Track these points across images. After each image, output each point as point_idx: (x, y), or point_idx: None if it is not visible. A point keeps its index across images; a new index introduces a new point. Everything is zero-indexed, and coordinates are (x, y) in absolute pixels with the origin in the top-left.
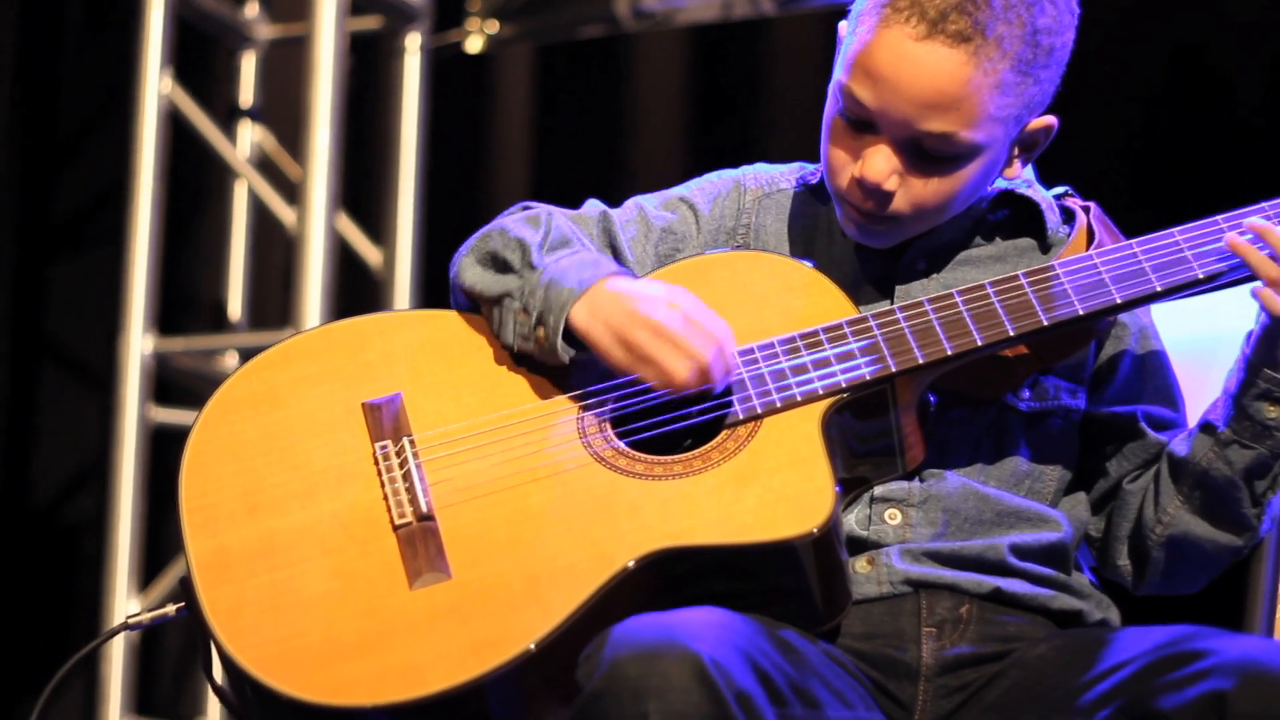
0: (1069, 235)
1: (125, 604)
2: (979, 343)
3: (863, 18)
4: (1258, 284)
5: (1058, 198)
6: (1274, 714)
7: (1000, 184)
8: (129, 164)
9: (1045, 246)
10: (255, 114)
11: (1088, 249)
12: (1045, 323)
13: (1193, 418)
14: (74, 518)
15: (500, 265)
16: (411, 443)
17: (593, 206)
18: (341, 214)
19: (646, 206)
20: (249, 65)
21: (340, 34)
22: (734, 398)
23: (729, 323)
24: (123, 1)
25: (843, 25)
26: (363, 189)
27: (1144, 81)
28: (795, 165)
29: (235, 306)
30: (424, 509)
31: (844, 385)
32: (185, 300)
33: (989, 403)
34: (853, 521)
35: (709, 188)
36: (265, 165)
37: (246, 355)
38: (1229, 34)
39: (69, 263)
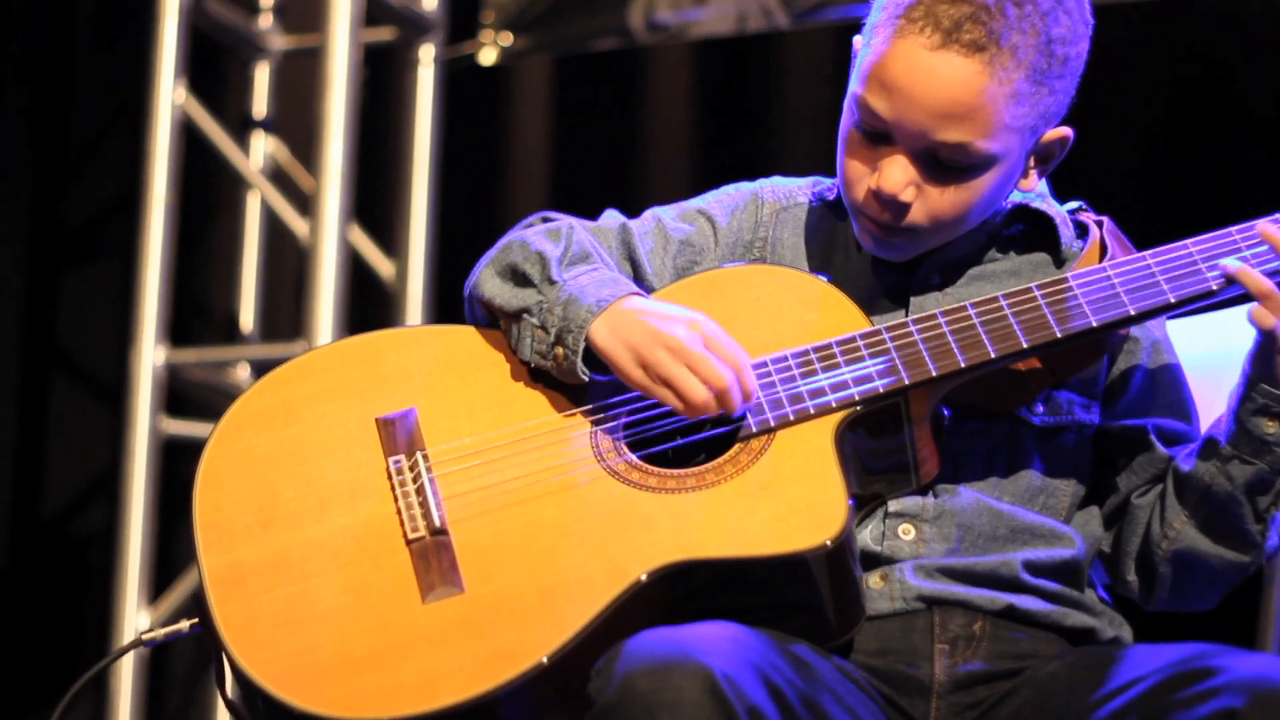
0: (1082, 249)
1: (135, 617)
2: (992, 355)
3: (877, 29)
4: (1255, 306)
5: (1072, 212)
6: None
7: (1015, 198)
8: (141, 174)
9: (1059, 261)
10: (268, 125)
11: (1101, 263)
12: (1059, 335)
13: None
14: (84, 530)
15: (520, 279)
16: (425, 457)
17: (612, 218)
18: (354, 226)
19: (665, 218)
20: (262, 76)
21: (354, 45)
22: (747, 411)
23: (742, 336)
24: (136, 11)
25: (857, 39)
26: (375, 201)
27: (1156, 94)
28: (812, 179)
29: (247, 318)
30: (437, 523)
31: (857, 398)
32: (197, 311)
33: (1003, 417)
34: (866, 537)
35: (727, 200)
36: (278, 176)
37: (258, 367)
38: (1242, 45)
39: (79, 273)
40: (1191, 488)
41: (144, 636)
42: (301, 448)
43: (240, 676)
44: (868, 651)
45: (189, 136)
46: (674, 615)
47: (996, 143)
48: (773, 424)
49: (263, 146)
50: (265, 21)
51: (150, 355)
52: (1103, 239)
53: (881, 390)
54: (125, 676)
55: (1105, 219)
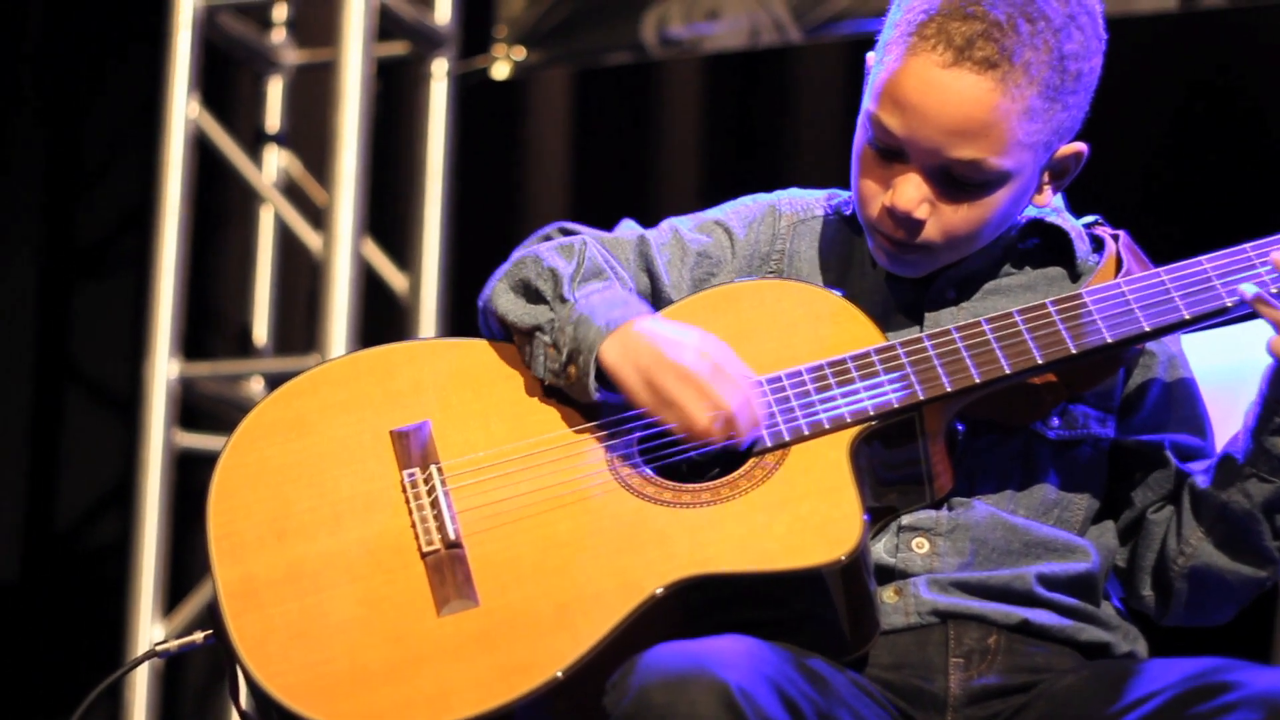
0: (1098, 264)
1: (150, 629)
2: (1007, 370)
3: (890, 47)
4: (1275, 339)
5: (1087, 226)
6: None
7: (1030, 212)
8: (155, 188)
9: (1075, 275)
10: (281, 139)
11: (1116, 277)
12: (1074, 351)
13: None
14: (97, 542)
15: (532, 295)
16: (439, 470)
17: (629, 229)
18: (367, 239)
19: (682, 229)
20: (275, 90)
21: (367, 59)
22: (755, 438)
23: (757, 350)
24: (149, 25)
25: (870, 55)
26: (389, 215)
27: (1171, 107)
28: (828, 191)
29: (261, 331)
30: (451, 536)
31: (872, 413)
32: (210, 325)
33: (1017, 431)
34: (880, 550)
35: (744, 211)
36: (291, 190)
37: (272, 380)
38: (1257, 58)
39: (92, 287)
40: (1208, 505)
41: (158, 648)
42: (316, 460)
43: (254, 689)
44: (882, 665)
45: (202, 150)
46: (689, 629)
47: (1010, 159)
48: (787, 438)
49: (276, 160)
50: (278, 36)
51: (164, 368)
52: (1118, 253)
53: (896, 405)
54: (140, 688)
55: (1121, 233)
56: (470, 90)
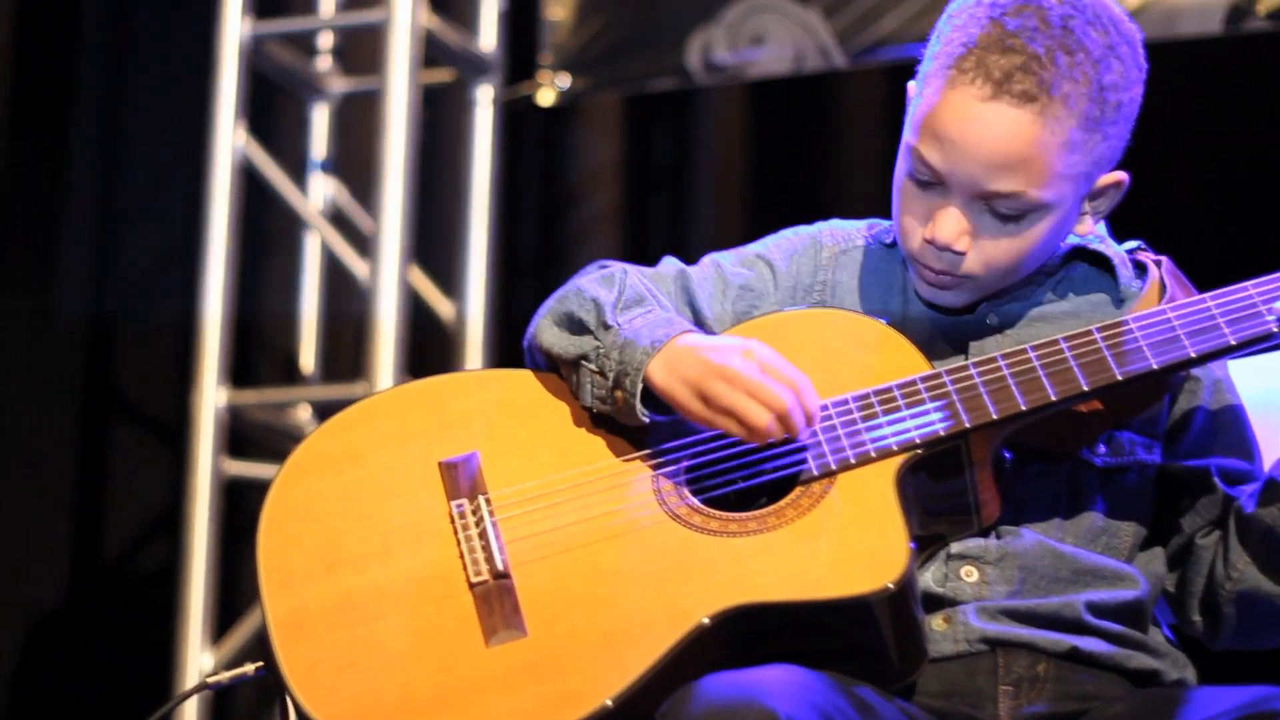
0: (1141, 289)
1: (199, 656)
2: (1053, 398)
3: (929, 79)
4: None
5: (1130, 252)
6: None
7: (1072, 240)
8: (201, 216)
9: (1118, 301)
10: (328, 166)
11: (1160, 302)
12: (1119, 377)
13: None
14: (145, 570)
15: (576, 326)
16: (488, 501)
17: (670, 264)
18: (413, 266)
19: (723, 264)
20: (321, 118)
21: (412, 87)
22: (808, 454)
23: None
24: (195, 54)
25: (911, 85)
26: (434, 241)
27: (1214, 132)
28: (869, 221)
29: (307, 359)
30: (500, 567)
31: (918, 441)
32: (257, 353)
33: (1064, 458)
34: (929, 579)
35: (786, 244)
36: (337, 218)
37: (319, 408)
38: None
39: (138, 315)
40: (1255, 528)
41: (209, 680)
42: (365, 491)
43: (304, 719)
44: (931, 693)
45: (248, 178)
46: (737, 658)
47: (1050, 191)
48: (833, 467)
49: (322, 188)
50: (324, 64)
51: (212, 397)
52: (1162, 279)
53: (942, 433)
54: (189, 718)
55: (1164, 259)
56: (515, 117)
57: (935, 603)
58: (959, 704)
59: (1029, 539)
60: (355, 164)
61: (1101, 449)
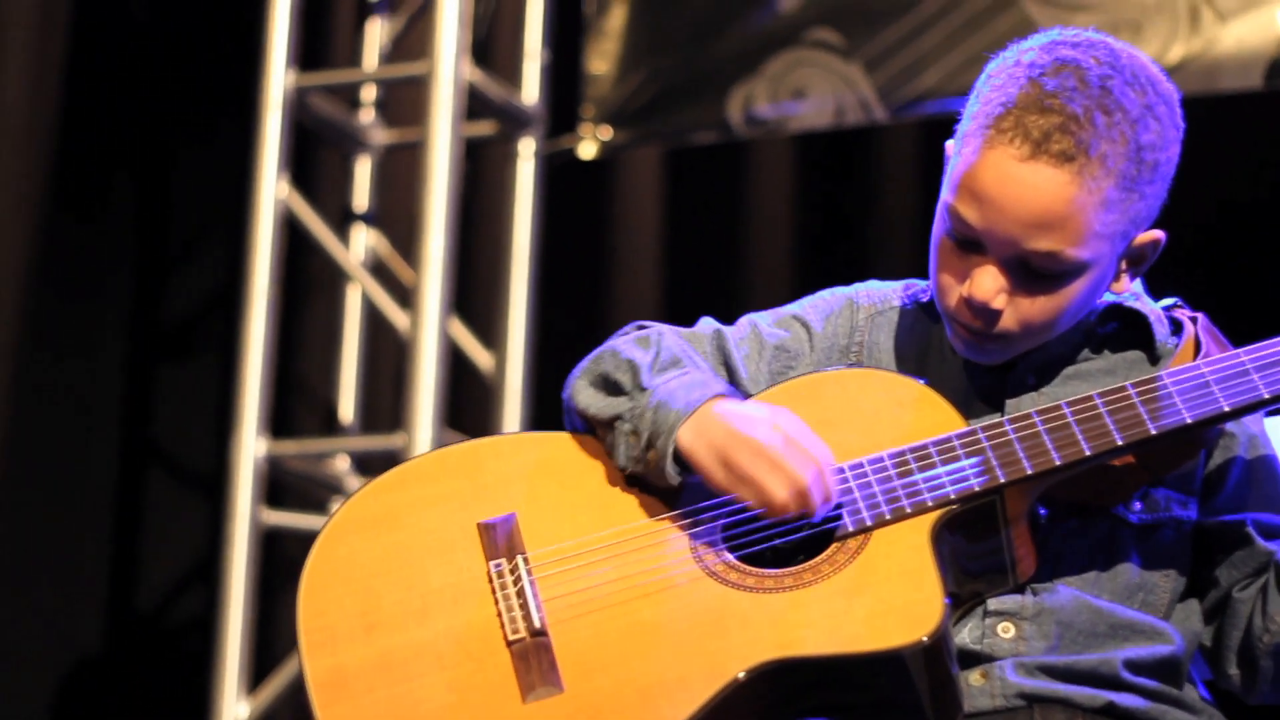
0: (1177, 346)
1: (235, 706)
2: (1087, 453)
3: (968, 139)
4: None
5: (1166, 309)
6: None
7: (1108, 297)
8: (243, 267)
9: (1154, 358)
10: (369, 218)
11: (1195, 359)
12: (1153, 432)
13: None
14: (182, 619)
15: (611, 387)
16: (525, 560)
17: (706, 325)
18: (454, 318)
19: (760, 324)
20: (364, 170)
21: (455, 139)
22: (844, 511)
23: (839, 438)
24: (239, 105)
25: (950, 144)
26: (475, 293)
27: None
28: (905, 282)
29: (347, 410)
30: (537, 625)
31: (953, 496)
32: (297, 403)
33: (1100, 514)
34: (966, 637)
35: (822, 305)
36: (379, 269)
37: (357, 459)
38: None
39: (177, 366)
40: None
41: None
42: (404, 553)
43: None
44: None
45: (290, 229)
46: (773, 713)
47: (1087, 250)
48: (869, 523)
49: (364, 239)
50: (367, 116)
51: (251, 447)
52: (1197, 335)
53: (978, 489)
54: None
55: (1200, 315)
56: (557, 170)
57: (972, 659)
58: None
59: (1065, 595)
60: (397, 215)
61: (1137, 506)
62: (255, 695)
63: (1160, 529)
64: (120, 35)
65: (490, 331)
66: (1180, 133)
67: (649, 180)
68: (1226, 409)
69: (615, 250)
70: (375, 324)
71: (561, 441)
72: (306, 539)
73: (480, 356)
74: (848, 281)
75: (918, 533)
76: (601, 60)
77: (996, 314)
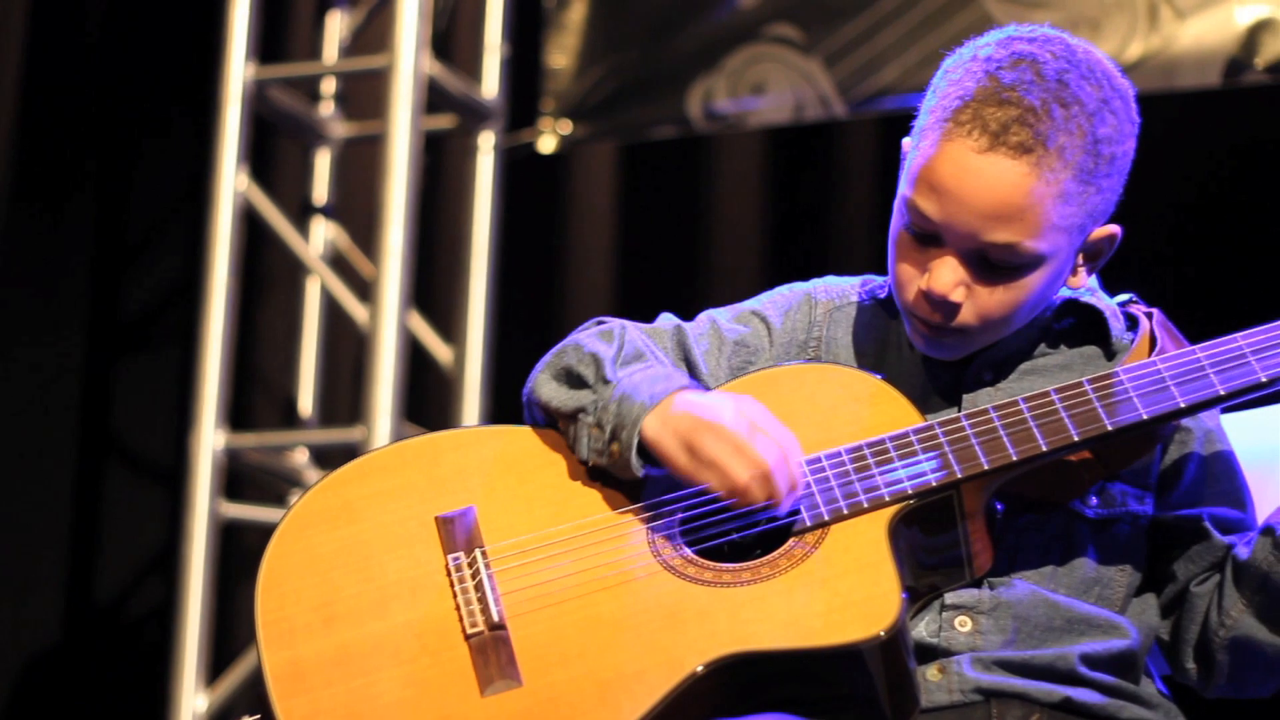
0: (1133, 342)
1: (193, 698)
2: (1044, 448)
3: (925, 133)
4: None
5: (1122, 305)
6: None
7: (1064, 293)
8: (202, 260)
9: (1110, 354)
10: (329, 211)
11: (1151, 354)
12: (1110, 428)
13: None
14: (140, 611)
15: (575, 380)
16: (484, 554)
17: (667, 320)
18: (413, 312)
19: (719, 320)
20: (323, 162)
21: (414, 132)
22: (802, 505)
23: (797, 433)
24: (198, 98)
25: (906, 141)
26: (434, 287)
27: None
28: (863, 277)
29: (305, 403)
30: (495, 618)
31: (910, 492)
32: (255, 396)
33: (1056, 509)
34: (923, 630)
35: (781, 300)
36: (338, 262)
37: (316, 451)
38: None
39: (136, 359)
40: (1250, 576)
41: None
42: (362, 546)
43: None
44: None
45: (249, 222)
46: (730, 707)
47: (1045, 242)
48: (827, 518)
49: (323, 232)
50: (326, 109)
51: (210, 439)
52: (1153, 331)
53: (934, 483)
54: None
55: (1155, 311)
56: (516, 163)
57: (929, 653)
58: None
59: (1022, 589)
60: (356, 209)
61: (1093, 500)
62: (214, 688)
63: (1116, 523)
64: (78, 28)
65: (449, 325)
66: (1136, 127)
67: (606, 175)
68: (1183, 405)
69: (572, 245)
70: (334, 317)
71: (521, 435)
72: (265, 531)
73: (439, 350)
74: (806, 277)
75: (875, 527)
76: (561, 54)
77: (955, 307)
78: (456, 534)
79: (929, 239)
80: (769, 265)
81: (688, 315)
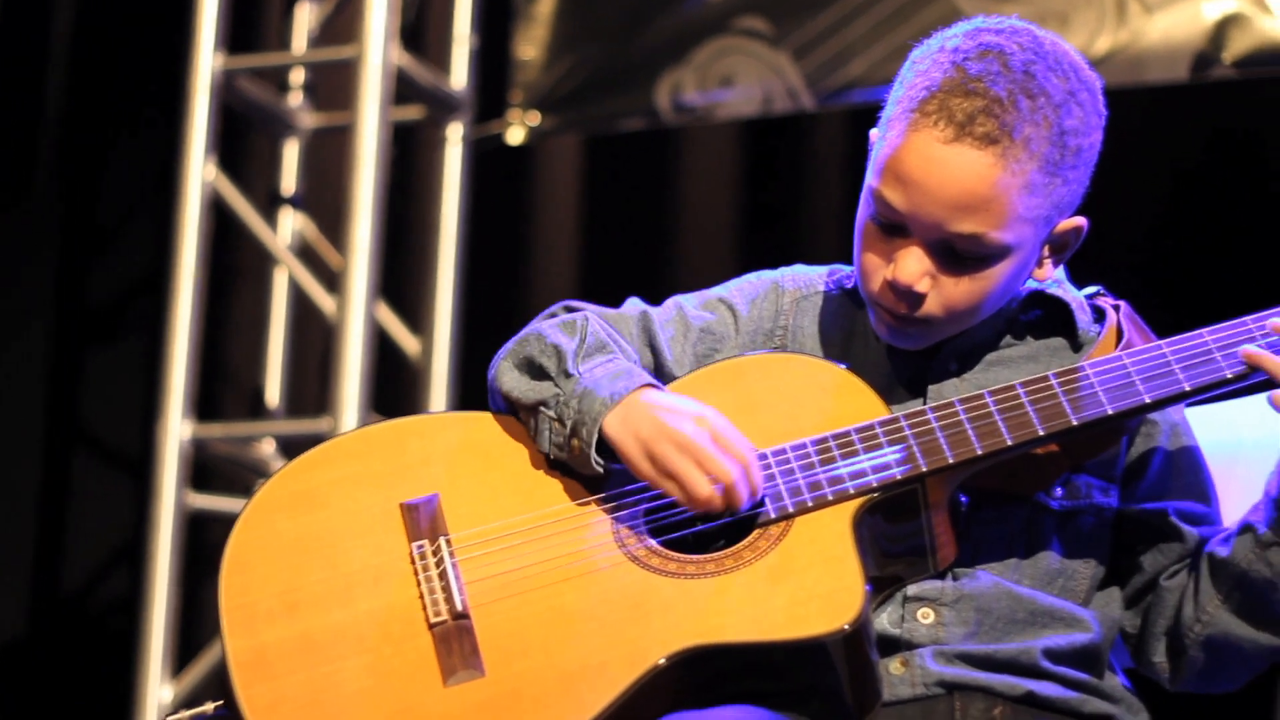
0: (1099, 335)
1: (159, 689)
2: (1009, 443)
3: (892, 123)
4: (1276, 391)
5: (1089, 297)
6: None
7: (1031, 284)
8: (170, 250)
9: (1076, 346)
10: (297, 202)
11: (1117, 347)
12: (1075, 423)
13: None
14: (106, 602)
15: (536, 372)
16: (448, 542)
17: (633, 306)
18: (381, 303)
19: (686, 306)
20: (292, 153)
21: (383, 123)
22: (766, 497)
23: (762, 423)
24: (167, 88)
25: (873, 132)
26: (402, 278)
27: (1180, 178)
28: (830, 267)
29: (273, 393)
30: (459, 607)
31: (875, 485)
32: (223, 386)
33: (1021, 501)
34: (885, 620)
35: (748, 288)
36: (306, 253)
37: (283, 442)
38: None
39: (103, 349)
40: (1228, 573)
41: (169, 718)
42: (327, 533)
43: None
44: None
45: (218, 212)
46: (693, 700)
47: (1010, 233)
48: (791, 510)
49: (291, 223)
50: (295, 99)
51: (177, 430)
52: (1119, 324)
53: (899, 477)
54: None
55: (1122, 303)
56: (485, 155)
57: (891, 645)
58: None
59: (985, 581)
60: (325, 200)
61: (1058, 492)
62: (180, 679)
63: (1081, 515)
64: (45, 17)
65: (417, 316)
66: (1103, 120)
67: (574, 167)
68: (1148, 400)
69: (541, 237)
70: (302, 308)
71: (486, 422)
72: (231, 522)
73: (407, 341)
74: (774, 267)
75: (840, 520)
76: (530, 46)
77: (920, 297)
78: (420, 521)
79: (895, 229)
80: (737, 258)
81: (655, 303)
